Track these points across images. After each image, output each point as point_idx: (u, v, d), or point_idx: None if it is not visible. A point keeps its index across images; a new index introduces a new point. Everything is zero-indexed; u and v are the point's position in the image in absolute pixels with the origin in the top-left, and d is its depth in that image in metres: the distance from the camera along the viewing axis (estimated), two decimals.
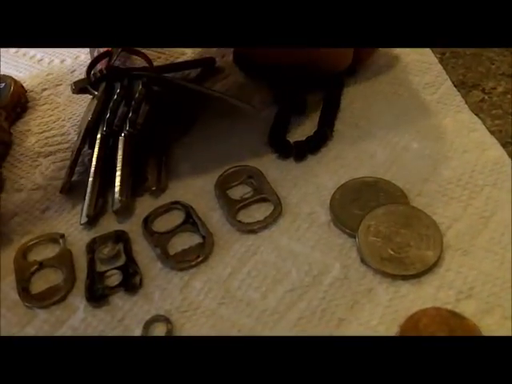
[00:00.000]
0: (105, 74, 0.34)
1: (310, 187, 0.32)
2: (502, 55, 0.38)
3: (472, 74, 0.37)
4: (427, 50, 0.39)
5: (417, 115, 0.34)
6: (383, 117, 0.35)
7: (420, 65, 0.38)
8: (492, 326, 0.25)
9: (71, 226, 0.32)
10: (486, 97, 0.36)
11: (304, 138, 0.34)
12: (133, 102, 0.33)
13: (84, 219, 0.31)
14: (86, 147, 0.34)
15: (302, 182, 0.32)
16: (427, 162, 0.32)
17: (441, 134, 0.33)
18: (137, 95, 0.33)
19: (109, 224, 0.32)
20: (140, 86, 0.33)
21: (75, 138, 0.36)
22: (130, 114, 0.33)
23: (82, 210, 0.32)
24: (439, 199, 0.30)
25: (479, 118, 0.34)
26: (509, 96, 0.35)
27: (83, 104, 0.39)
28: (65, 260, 0.30)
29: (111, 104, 0.33)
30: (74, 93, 0.36)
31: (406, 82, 0.37)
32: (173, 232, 0.30)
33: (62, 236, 0.31)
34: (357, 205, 0.30)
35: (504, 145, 0.32)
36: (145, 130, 0.33)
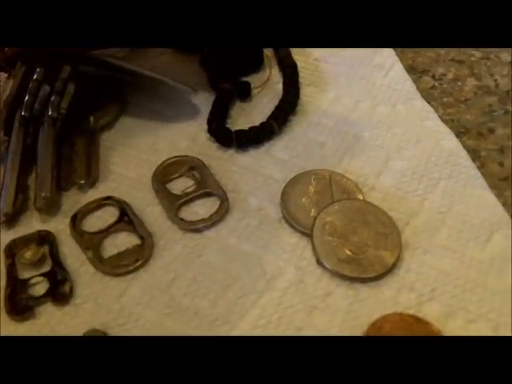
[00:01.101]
0: (22, 52, 0.30)
1: (257, 180, 0.29)
2: None
3: (421, 59, 0.36)
4: None
5: (365, 103, 0.33)
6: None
7: None
8: (456, 329, 0.24)
9: None
10: (437, 83, 0.34)
11: (247, 128, 0.31)
12: (56, 83, 0.29)
13: (1, 218, 0.27)
14: (1, 134, 0.29)
15: (248, 173, 0.29)
16: (380, 152, 0.30)
17: (393, 122, 0.32)
18: (62, 74, 0.29)
19: (31, 223, 0.28)
20: (65, 65, 0.29)
21: None
22: (53, 97, 0.29)
23: None
24: (394, 193, 0.28)
25: (431, 105, 0.33)
26: (459, 83, 0.34)
27: None
28: None
29: (30, 84, 0.29)
30: None
31: (357, 61, 0.35)
32: (106, 232, 0.27)
33: None
34: (308, 199, 0.28)
35: (457, 135, 0.31)
36: (70, 114, 0.29)
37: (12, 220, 0.28)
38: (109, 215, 0.28)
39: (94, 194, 0.29)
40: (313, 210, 0.27)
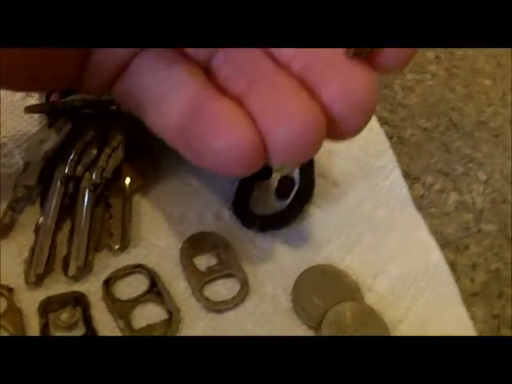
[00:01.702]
0: (74, 105, 0.31)
1: (274, 267, 0.32)
2: (439, 150, 0.42)
3: (414, 166, 0.41)
4: (381, 132, 0.41)
5: (368, 203, 0.37)
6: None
7: (374, 146, 0.40)
8: None
9: (17, 275, 0.29)
10: (426, 192, 0.39)
11: (268, 211, 0.34)
12: (106, 148, 0.30)
13: (31, 278, 0.28)
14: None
15: (267, 257, 0.33)
16: (378, 255, 0.35)
17: (390, 228, 0.36)
18: (113, 142, 0.30)
19: (60, 279, 0.29)
20: (117, 131, 0.31)
21: (20, 163, 0.32)
22: (100, 162, 0.30)
23: (29, 263, 0.28)
24: (387, 297, 0.33)
25: (420, 214, 0.37)
26: (444, 195, 0.39)
27: (28, 120, 0.35)
28: (14, 319, 0.27)
29: (78, 144, 0.30)
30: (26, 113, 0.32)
31: (363, 161, 0.39)
32: (136, 301, 0.29)
33: (10, 290, 0.28)
34: (317, 294, 0.32)
35: (440, 247, 0.36)
36: (112, 179, 0.31)
37: (42, 279, 0.29)
38: (138, 283, 0.30)
39: (124, 258, 0.31)
40: (321, 305, 0.31)
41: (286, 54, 0.28)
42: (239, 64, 0.28)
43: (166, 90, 0.27)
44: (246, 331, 0.30)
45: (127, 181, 0.32)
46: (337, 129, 0.26)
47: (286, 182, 0.36)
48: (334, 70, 0.27)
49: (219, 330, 0.29)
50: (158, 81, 0.28)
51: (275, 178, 0.36)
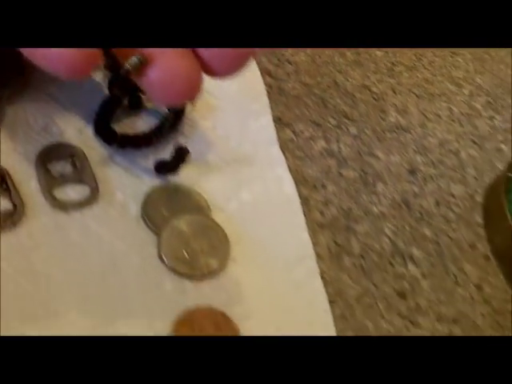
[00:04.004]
0: None
1: (129, 178, 0.34)
2: (317, 105, 0.45)
3: (289, 114, 0.44)
4: (260, 81, 0.44)
5: (235, 139, 0.39)
6: None
7: (252, 92, 0.43)
8: (253, 328, 0.31)
9: None
10: (295, 138, 0.42)
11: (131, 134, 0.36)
12: None
13: None
14: None
15: (123, 171, 0.35)
16: (233, 182, 0.37)
17: (251, 162, 0.38)
18: None
19: None
20: None
21: None
22: None
23: None
24: (236, 218, 0.35)
25: (284, 155, 0.40)
26: (312, 142, 0.42)
27: None
28: None
29: None
30: None
31: (236, 103, 0.42)
32: None
33: None
34: (167, 206, 0.34)
35: (296, 183, 0.39)
36: None
37: None
38: None
39: None
40: (167, 215, 0.33)
41: None
42: None
43: None
44: (90, 231, 0.31)
45: None
46: (209, 70, 0.28)
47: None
48: None
49: (62, 226, 0.31)
50: None
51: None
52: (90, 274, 0.30)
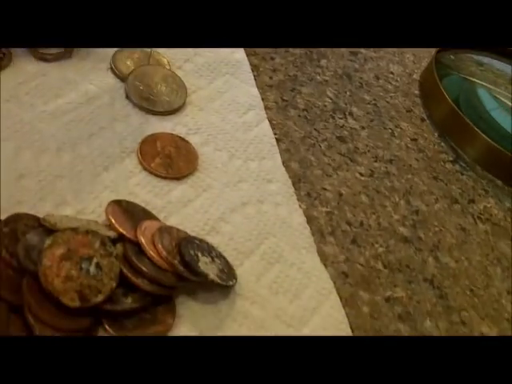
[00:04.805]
0: None
1: None
2: None
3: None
4: None
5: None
6: None
7: None
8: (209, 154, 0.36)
9: None
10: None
11: None
12: None
13: None
14: None
15: None
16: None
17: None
18: None
19: None
20: None
21: None
22: None
23: None
24: (193, 74, 0.41)
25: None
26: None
27: None
28: None
29: None
30: None
31: None
32: None
33: None
34: (131, 60, 0.40)
35: (247, 54, 0.44)
36: None
37: None
38: None
39: None
40: (131, 66, 0.39)
41: None
42: None
43: None
44: (67, 78, 0.37)
45: None
46: None
47: None
48: None
49: (42, 72, 0.37)
50: None
51: None
52: (66, 110, 0.36)
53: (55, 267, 0.25)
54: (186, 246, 0.29)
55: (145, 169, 0.34)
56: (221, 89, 0.41)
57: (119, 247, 0.28)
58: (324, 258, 0.34)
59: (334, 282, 0.33)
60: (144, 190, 0.33)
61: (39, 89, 0.36)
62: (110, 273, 0.26)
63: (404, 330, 0.33)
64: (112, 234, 0.28)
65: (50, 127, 0.34)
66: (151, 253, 0.28)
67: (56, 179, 0.32)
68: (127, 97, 0.37)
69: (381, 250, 0.37)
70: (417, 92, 0.49)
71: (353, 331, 0.32)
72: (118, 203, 0.30)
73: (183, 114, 0.38)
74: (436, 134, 0.46)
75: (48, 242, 0.25)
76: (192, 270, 0.28)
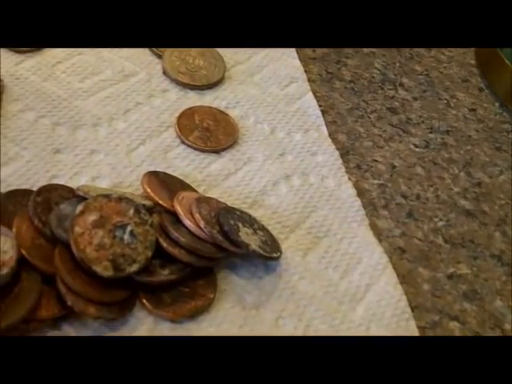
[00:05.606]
0: None
1: None
2: None
3: None
4: None
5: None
6: None
7: None
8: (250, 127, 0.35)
9: None
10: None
11: None
12: None
13: None
14: None
15: None
16: None
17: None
18: None
19: None
20: None
21: None
22: None
23: None
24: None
25: None
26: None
27: None
28: None
29: None
30: None
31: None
32: None
33: None
34: None
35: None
36: None
37: None
38: None
39: None
40: None
41: None
42: None
43: None
44: (103, 54, 0.36)
45: None
46: None
47: None
48: None
49: (79, 50, 0.36)
50: None
51: None
52: (103, 81, 0.34)
53: (87, 235, 0.23)
54: (225, 216, 0.27)
55: (183, 142, 0.32)
56: (261, 63, 0.39)
57: (155, 217, 0.26)
58: (377, 233, 0.32)
59: (390, 258, 0.31)
60: (183, 163, 0.31)
61: (75, 67, 0.35)
62: (145, 241, 0.24)
63: (471, 309, 0.30)
64: (147, 202, 0.26)
65: (86, 103, 0.33)
66: (189, 222, 0.26)
67: (92, 153, 0.30)
68: (164, 73, 0.36)
69: (440, 223, 0.34)
70: (473, 62, 0.46)
71: (412, 310, 0.29)
72: (154, 174, 0.29)
73: (222, 88, 0.36)
74: (497, 104, 0.43)
75: (80, 208, 0.24)
76: (232, 239, 0.26)
